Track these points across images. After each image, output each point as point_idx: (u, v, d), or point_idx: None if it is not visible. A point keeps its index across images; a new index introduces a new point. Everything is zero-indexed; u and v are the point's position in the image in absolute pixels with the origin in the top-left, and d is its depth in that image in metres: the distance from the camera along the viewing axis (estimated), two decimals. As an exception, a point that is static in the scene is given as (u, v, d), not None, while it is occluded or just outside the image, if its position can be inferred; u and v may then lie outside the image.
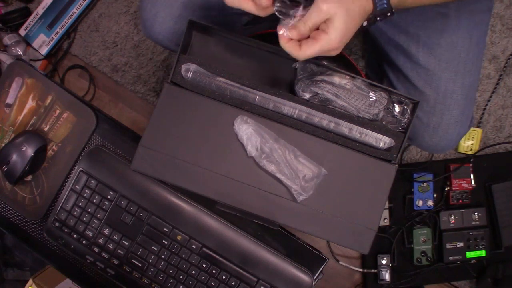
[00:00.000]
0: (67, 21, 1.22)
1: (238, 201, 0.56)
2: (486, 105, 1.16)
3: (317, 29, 0.48)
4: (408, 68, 0.71)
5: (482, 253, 1.08)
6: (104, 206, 0.66)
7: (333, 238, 0.56)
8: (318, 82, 0.55)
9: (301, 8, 0.48)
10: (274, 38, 0.53)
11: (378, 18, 0.50)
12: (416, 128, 0.73)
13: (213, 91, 0.56)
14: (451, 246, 1.08)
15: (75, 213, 0.66)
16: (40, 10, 1.22)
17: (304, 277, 0.64)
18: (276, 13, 0.49)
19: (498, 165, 1.12)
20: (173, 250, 0.65)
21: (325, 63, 0.57)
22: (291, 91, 0.59)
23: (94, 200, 0.66)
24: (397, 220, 1.11)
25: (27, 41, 1.23)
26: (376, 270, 1.11)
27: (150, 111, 1.24)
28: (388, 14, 0.50)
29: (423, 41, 0.68)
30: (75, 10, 1.22)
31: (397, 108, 0.56)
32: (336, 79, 0.56)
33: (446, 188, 1.09)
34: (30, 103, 0.70)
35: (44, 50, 1.22)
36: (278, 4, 0.48)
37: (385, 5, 0.49)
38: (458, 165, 1.09)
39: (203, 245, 0.65)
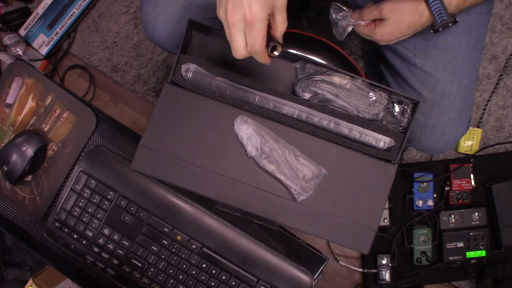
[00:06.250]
0: (67, 21, 1.22)
1: (238, 201, 0.56)
2: (486, 105, 1.16)
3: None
4: (405, 69, 0.71)
5: (482, 253, 1.08)
6: (104, 206, 0.66)
7: (333, 238, 0.56)
8: (318, 82, 0.55)
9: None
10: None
11: (440, 29, 0.60)
12: (413, 129, 0.73)
13: (213, 91, 0.56)
14: (451, 246, 1.08)
15: (75, 213, 0.66)
16: (40, 10, 1.22)
17: (304, 277, 0.64)
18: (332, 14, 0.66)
19: (498, 165, 1.12)
20: (173, 250, 0.65)
21: (325, 63, 0.57)
22: (291, 91, 0.59)
23: (94, 200, 0.66)
24: (397, 220, 1.11)
25: (27, 41, 1.23)
26: (376, 270, 1.11)
27: (150, 111, 1.24)
28: (450, 24, 0.59)
29: (419, 43, 0.68)
30: (75, 10, 1.22)
31: (397, 108, 0.56)
32: (336, 79, 0.56)
33: (446, 188, 1.09)
34: (30, 103, 0.70)
35: (44, 50, 1.22)
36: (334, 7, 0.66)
37: (445, 17, 0.58)
38: (458, 165, 1.09)
39: (203, 245, 0.65)
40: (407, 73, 0.71)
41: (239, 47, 0.49)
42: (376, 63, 0.85)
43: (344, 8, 0.65)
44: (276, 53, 0.51)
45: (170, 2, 0.67)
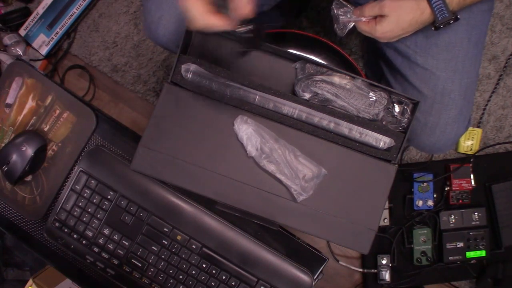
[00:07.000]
0: (67, 21, 1.22)
1: (238, 201, 0.56)
2: (486, 105, 1.16)
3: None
4: (406, 67, 0.71)
5: (482, 253, 1.08)
6: (104, 206, 0.66)
7: (333, 238, 0.56)
8: (318, 82, 0.55)
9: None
10: (274, 39, 0.53)
11: (442, 26, 0.60)
12: (413, 128, 0.73)
13: (213, 91, 0.56)
14: (451, 246, 1.08)
15: (75, 213, 0.66)
16: (40, 10, 1.22)
17: (304, 277, 0.64)
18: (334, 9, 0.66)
19: (498, 165, 1.12)
20: (173, 250, 0.65)
21: (325, 63, 0.57)
22: (291, 91, 0.59)
23: (94, 200, 0.66)
24: (397, 220, 1.11)
25: (27, 41, 1.23)
26: (376, 270, 1.11)
27: (150, 111, 1.23)
28: (451, 21, 0.59)
29: (420, 41, 0.68)
30: (75, 10, 1.22)
31: (397, 108, 0.56)
32: (336, 79, 0.56)
33: (446, 188, 1.09)
34: (30, 103, 0.70)
35: (44, 50, 1.22)
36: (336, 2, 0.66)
37: (446, 14, 0.58)
38: (458, 165, 1.09)
39: (203, 245, 0.65)
40: (408, 71, 0.71)
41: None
42: (376, 62, 0.85)
43: (346, 4, 0.65)
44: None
45: (174, 1, 0.67)
